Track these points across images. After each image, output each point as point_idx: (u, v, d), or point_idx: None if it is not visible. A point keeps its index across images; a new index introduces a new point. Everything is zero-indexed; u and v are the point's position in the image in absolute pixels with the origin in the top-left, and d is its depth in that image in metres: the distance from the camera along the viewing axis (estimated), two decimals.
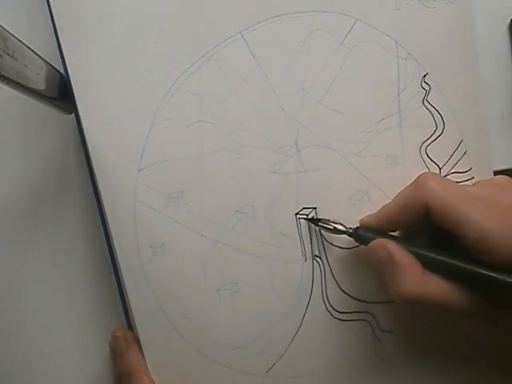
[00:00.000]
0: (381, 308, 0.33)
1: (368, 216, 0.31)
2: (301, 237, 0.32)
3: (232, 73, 0.31)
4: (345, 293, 0.33)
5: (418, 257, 0.28)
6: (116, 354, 0.31)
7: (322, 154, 0.33)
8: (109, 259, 0.31)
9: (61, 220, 0.34)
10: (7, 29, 0.24)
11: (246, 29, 0.32)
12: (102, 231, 0.31)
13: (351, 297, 0.33)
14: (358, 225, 0.31)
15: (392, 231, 0.30)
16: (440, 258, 0.28)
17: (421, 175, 0.30)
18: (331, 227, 0.31)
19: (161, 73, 0.31)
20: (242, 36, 0.32)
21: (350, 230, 0.30)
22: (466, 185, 0.29)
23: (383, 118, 0.34)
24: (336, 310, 0.32)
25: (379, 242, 0.29)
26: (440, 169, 0.34)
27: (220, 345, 0.31)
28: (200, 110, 0.31)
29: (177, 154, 0.31)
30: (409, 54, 0.34)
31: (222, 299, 0.31)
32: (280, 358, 0.32)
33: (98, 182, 0.30)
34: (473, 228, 0.27)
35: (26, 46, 0.26)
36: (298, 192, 0.32)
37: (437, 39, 0.34)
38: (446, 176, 0.34)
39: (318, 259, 0.32)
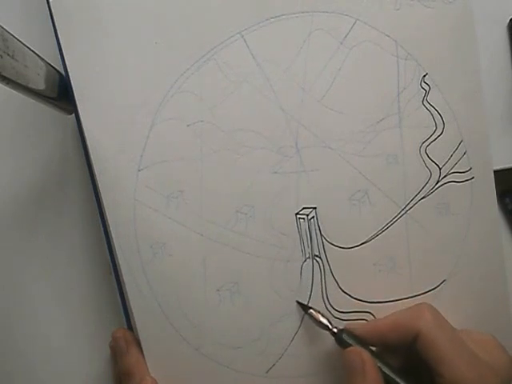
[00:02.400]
0: (381, 307, 0.33)
1: (355, 323, 0.32)
2: (301, 236, 0.32)
3: (232, 73, 0.31)
4: (345, 292, 0.33)
5: (387, 378, 0.29)
6: (116, 355, 0.31)
7: (321, 153, 0.33)
8: (109, 259, 0.31)
9: (61, 220, 0.34)
10: (7, 29, 0.24)
11: (246, 29, 0.32)
12: (102, 231, 0.31)
13: (351, 296, 0.33)
14: (342, 327, 0.31)
15: (373, 345, 0.31)
16: None
17: (420, 304, 0.31)
18: (318, 320, 0.31)
19: (161, 73, 0.31)
20: (242, 36, 0.32)
21: (335, 330, 0.31)
22: (456, 329, 0.31)
23: (383, 118, 0.34)
24: (336, 310, 0.32)
25: (357, 349, 0.29)
26: (440, 169, 0.34)
27: (220, 345, 0.31)
28: (200, 110, 0.31)
29: (177, 154, 0.31)
30: (408, 54, 0.34)
31: (222, 299, 0.31)
32: (280, 357, 0.32)
33: (98, 182, 0.30)
34: (452, 372, 0.28)
35: (26, 46, 0.26)
36: (298, 192, 0.32)
37: (437, 39, 0.35)
38: (445, 176, 0.34)
39: (317, 259, 0.32)
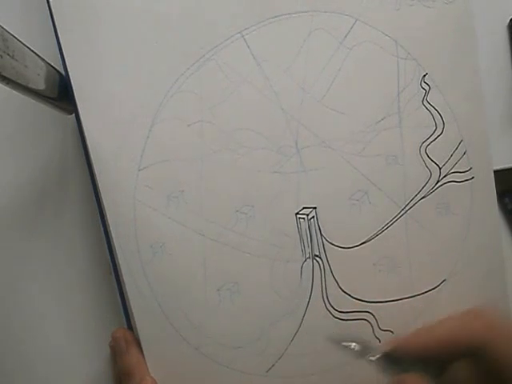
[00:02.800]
0: (381, 307, 0.33)
1: (397, 341, 0.28)
2: (301, 236, 0.32)
3: (232, 73, 0.31)
4: (345, 292, 0.33)
5: None
6: (116, 355, 0.31)
7: (321, 153, 0.33)
8: (109, 259, 0.31)
9: (61, 220, 0.34)
10: (7, 29, 0.24)
11: (246, 29, 0.32)
12: (102, 231, 0.31)
13: (351, 296, 0.33)
14: (382, 352, 0.28)
15: (417, 360, 0.28)
16: None
17: (469, 311, 0.28)
18: (355, 349, 0.29)
19: (161, 73, 0.31)
20: (242, 36, 0.32)
21: (378, 355, 0.28)
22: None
23: (383, 118, 0.34)
24: (336, 310, 0.32)
25: (412, 378, 0.26)
26: (440, 168, 0.34)
27: (220, 345, 0.31)
28: (200, 110, 0.31)
29: (177, 154, 0.31)
30: (408, 53, 0.34)
31: (222, 299, 0.31)
32: (280, 357, 0.32)
33: (98, 182, 0.30)
34: None
35: (26, 46, 0.26)
36: (298, 192, 0.32)
37: (436, 39, 0.35)
38: (445, 176, 0.34)
39: (318, 259, 0.32)
